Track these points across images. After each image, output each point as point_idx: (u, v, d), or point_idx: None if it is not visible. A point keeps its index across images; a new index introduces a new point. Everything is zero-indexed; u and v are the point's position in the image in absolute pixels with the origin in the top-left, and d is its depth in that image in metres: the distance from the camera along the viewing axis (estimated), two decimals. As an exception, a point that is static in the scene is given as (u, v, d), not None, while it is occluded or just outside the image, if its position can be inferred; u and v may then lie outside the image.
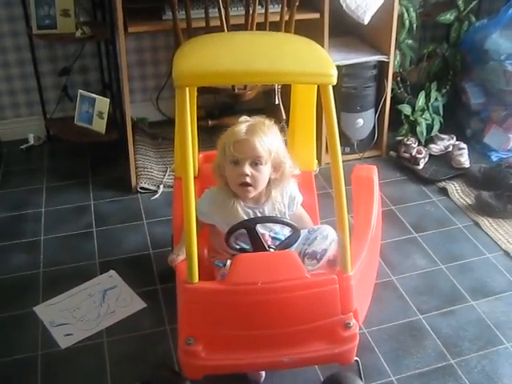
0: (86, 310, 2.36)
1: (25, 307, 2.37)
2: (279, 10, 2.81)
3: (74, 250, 2.69)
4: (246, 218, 1.93)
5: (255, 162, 1.86)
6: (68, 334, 2.25)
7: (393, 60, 3.20)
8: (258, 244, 1.88)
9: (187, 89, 1.63)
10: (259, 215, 1.95)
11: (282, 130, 2.99)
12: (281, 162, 1.91)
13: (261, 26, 2.81)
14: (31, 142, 3.54)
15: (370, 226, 2.06)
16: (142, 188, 3.09)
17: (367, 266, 2.03)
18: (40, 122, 3.55)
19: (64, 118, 3.50)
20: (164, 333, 2.25)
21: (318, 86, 1.84)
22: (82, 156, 3.44)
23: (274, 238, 1.97)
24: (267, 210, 1.97)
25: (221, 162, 1.92)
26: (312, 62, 1.73)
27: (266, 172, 1.90)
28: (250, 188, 1.90)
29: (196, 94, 2.10)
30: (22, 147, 3.51)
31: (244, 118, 1.95)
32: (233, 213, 1.93)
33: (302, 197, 2.07)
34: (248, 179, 1.87)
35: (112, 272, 2.55)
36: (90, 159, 3.41)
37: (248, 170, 1.86)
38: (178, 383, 1.85)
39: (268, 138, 1.86)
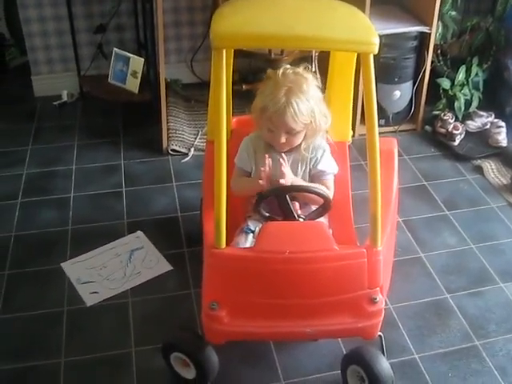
0: (113, 269, 2.37)
1: (52, 263, 2.40)
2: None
3: (103, 209, 2.71)
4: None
5: (290, 132, 1.88)
6: (94, 292, 2.27)
7: (434, 32, 3.11)
8: (287, 213, 1.86)
9: (224, 51, 1.60)
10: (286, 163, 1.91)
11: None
12: (317, 120, 1.89)
13: (301, -9, 2.74)
14: (64, 98, 3.54)
15: (390, 199, 2.03)
16: (172, 150, 3.08)
17: (389, 240, 2.00)
18: (74, 78, 3.55)
19: (98, 75, 3.49)
20: (188, 296, 2.25)
21: (358, 55, 1.80)
22: (114, 115, 3.43)
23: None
24: (292, 158, 1.97)
25: (259, 119, 1.92)
26: (354, 30, 1.68)
27: (300, 135, 1.92)
28: (283, 146, 1.93)
29: (232, 56, 2.06)
30: (55, 103, 3.52)
31: (287, 67, 1.90)
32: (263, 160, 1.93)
33: (334, 166, 2.03)
34: (282, 145, 1.91)
35: (139, 233, 2.55)
36: (122, 118, 3.41)
37: (283, 138, 1.89)
38: (200, 347, 1.85)
39: (304, 106, 1.83)
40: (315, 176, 2.00)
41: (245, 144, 2.03)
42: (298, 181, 1.94)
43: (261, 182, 1.84)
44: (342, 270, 1.75)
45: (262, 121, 1.90)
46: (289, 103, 1.82)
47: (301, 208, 1.94)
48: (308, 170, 1.99)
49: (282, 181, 1.84)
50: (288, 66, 1.91)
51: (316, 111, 1.87)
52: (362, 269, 1.75)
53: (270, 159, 1.85)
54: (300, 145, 1.95)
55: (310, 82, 1.89)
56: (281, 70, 1.88)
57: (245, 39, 1.65)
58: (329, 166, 2.01)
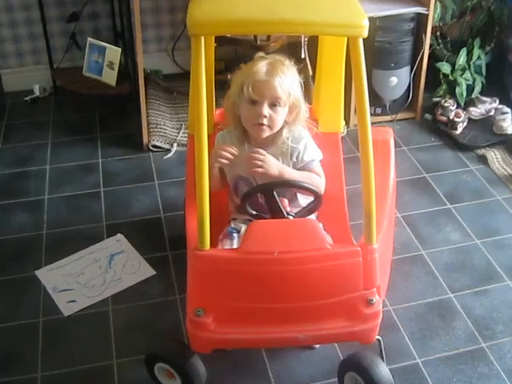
0: (91, 276, 2.38)
1: (26, 271, 2.40)
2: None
3: (80, 211, 2.71)
4: None
5: (274, 103, 1.90)
6: (71, 301, 2.28)
7: (432, 12, 3.12)
8: (275, 210, 1.86)
9: (203, 38, 1.61)
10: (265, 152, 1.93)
11: (307, 86, 2.99)
12: (297, 104, 1.95)
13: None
14: (36, 93, 3.54)
15: (387, 193, 2.05)
16: (154, 146, 3.09)
17: (387, 237, 2.02)
18: (46, 71, 3.55)
19: (72, 67, 3.50)
20: (173, 302, 2.26)
21: (348, 39, 1.80)
22: (90, 110, 3.43)
23: None
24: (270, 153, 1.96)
25: (236, 100, 1.95)
26: (341, 12, 1.68)
27: (283, 114, 1.94)
28: (265, 127, 1.93)
29: (213, 44, 2.07)
30: (26, 99, 3.52)
31: (261, 54, 1.98)
32: (239, 156, 1.94)
33: (319, 152, 2.05)
34: (265, 120, 1.91)
35: (120, 236, 2.56)
36: (98, 113, 3.41)
37: (266, 110, 1.90)
38: (186, 357, 1.86)
39: (288, 79, 1.90)
40: (303, 168, 2.01)
41: (218, 140, 2.07)
42: (286, 168, 1.95)
43: (216, 164, 1.90)
44: (335, 270, 1.76)
45: (242, 96, 1.91)
46: (274, 70, 1.89)
47: (289, 204, 1.95)
48: (292, 163, 2.00)
49: (261, 170, 1.86)
50: (262, 54, 1.98)
51: (298, 93, 1.94)
52: (356, 269, 1.76)
53: (234, 148, 1.90)
54: (278, 139, 1.98)
55: (293, 65, 1.96)
56: (260, 54, 1.98)
57: (224, 25, 1.64)
58: (314, 153, 2.03)
